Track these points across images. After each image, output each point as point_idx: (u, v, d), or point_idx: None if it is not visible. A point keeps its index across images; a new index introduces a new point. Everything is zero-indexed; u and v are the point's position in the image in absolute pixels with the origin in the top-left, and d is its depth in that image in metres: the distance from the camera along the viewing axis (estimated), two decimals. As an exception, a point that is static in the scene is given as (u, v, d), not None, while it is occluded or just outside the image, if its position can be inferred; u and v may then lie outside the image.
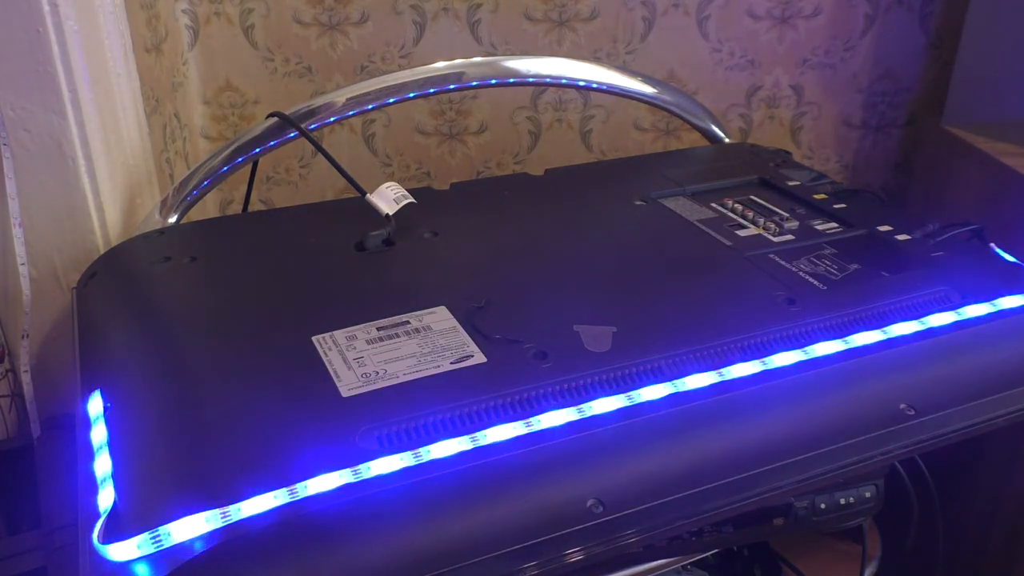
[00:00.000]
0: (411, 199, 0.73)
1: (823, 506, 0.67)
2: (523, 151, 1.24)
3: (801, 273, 0.66)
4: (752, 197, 0.80)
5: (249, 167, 0.83)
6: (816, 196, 0.79)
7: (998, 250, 0.71)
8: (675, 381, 0.53)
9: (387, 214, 0.71)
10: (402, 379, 0.52)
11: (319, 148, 0.78)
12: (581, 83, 0.91)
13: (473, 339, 0.56)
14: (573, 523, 0.46)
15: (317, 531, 0.43)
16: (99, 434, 0.50)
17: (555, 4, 1.14)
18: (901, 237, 0.71)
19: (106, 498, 0.45)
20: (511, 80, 0.88)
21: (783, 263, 0.67)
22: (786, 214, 0.76)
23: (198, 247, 0.71)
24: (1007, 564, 0.98)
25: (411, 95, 0.84)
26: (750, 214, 0.75)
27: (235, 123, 1.16)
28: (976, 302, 0.62)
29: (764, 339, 0.57)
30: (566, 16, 1.15)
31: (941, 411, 0.55)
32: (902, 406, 0.55)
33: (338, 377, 0.52)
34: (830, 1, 1.20)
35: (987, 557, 1.00)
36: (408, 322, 0.58)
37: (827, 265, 0.67)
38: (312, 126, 0.81)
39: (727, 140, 1.00)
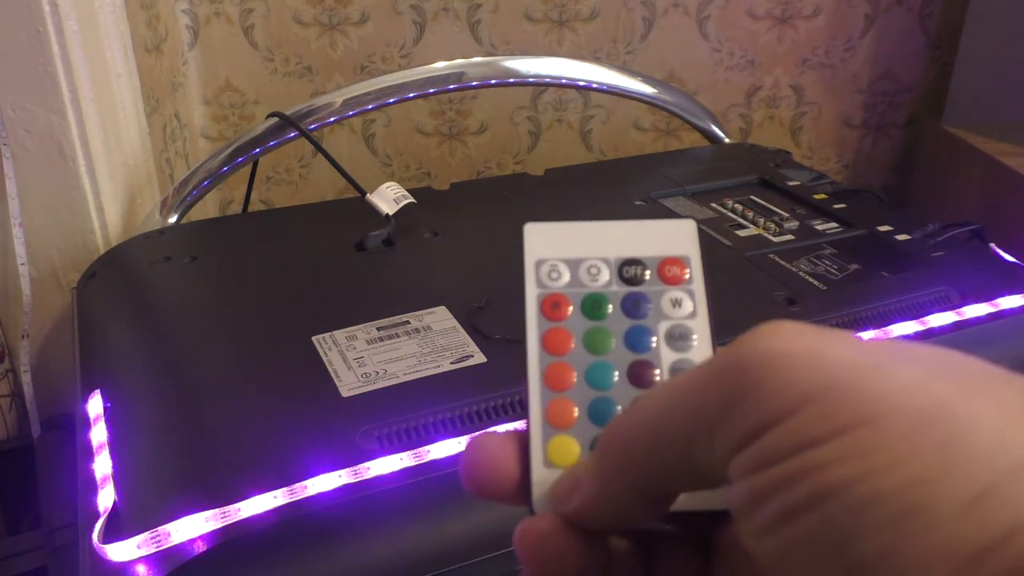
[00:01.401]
0: (411, 199, 0.73)
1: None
2: (523, 151, 1.24)
3: (801, 273, 0.66)
4: (752, 197, 0.80)
5: (249, 167, 0.83)
6: (816, 196, 0.79)
7: (998, 250, 0.71)
8: (675, 381, 0.53)
9: (387, 214, 0.71)
10: (402, 379, 0.52)
11: (319, 148, 0.78)
12: (581, 83, 0.91)
13: (473, 339, 0.56)
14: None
15: (317, 531, 0.43)
16: (99, 434, 0.50)
17: (555, 4, 1.14)
18: (901, 237, 0.71)
19: (106, 498, 0.45)
20: (511, 80, 0.88)
21: (783, 263, 0.67)
22: (786, 214, 0.76)
23: (198, 247, 0.71)
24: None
25: (411, 95, 0.84)
26: (750, 214, 0.75)
27: (235, 123, 1.16)
28: (976, 302, 0.62)
29: (764, 339, 0.57)
30: (566, 16, 1.15)
31: (941, 411, 0.55)
32: (902, 406, 0.55)
33: (338, 377, 0.52)
34: (830, 1, 1.20)
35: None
36: (408, 322, 0.58)
37: (827, 265, 0.67)
38: (312, 126, 0.81)
39: (727, 140, 1.00)
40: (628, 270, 0.25)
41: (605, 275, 0.25)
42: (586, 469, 0.21)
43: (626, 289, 0.24)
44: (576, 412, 0.23)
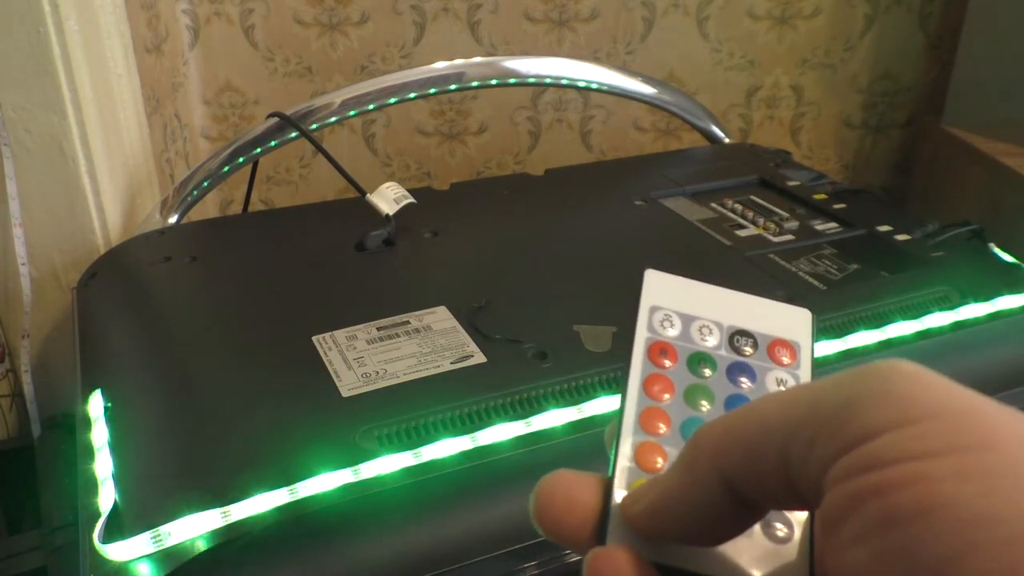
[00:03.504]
0: (411, 199, 0.73)
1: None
2: (523, 151, 1.24)
3: (801, 273, 0.66)
4: (752, 197, 0.80)
5: (249, 167, 0.83)
6: (816, 196, 0.79)
7: (998, 250, 0.71)
8: (675, 381, 0.53)
9: (387, 214, 0.71)
10: (402, 379, 0.52)
11: (319, 148, 0.78)
12: (581, 83, 0.91)
13: (473, 339, 0.56)
14: (573, 523, 0.46)
15: (317, 531, 0.43)
16: (99, 434, 0.50)
17: (555, 4, 1.14)
18: (901, 237, 0.71)
19: (106, 498, 0.45)
20: (511, 80, 0.88)
21: (783, 263, 0.67)
22: (786, 214, 0.76)
23: (198, 247, 0.71)
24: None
25: (411, 95, 0.84)
26: (750, 214, 0.75)
27: (235, 123, 1.16)
28: (976, 302, 0.62)
29: (764, 339, 0.57)
30: (566, 16, 1.15)
31: (941, 411, 0.55)
32: (902, 406, 0.55)
33: (338, 377, 0.52)
34: (830, 1, 1.20)
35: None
36: (408, 322, 0.58)
37: (827, 265, 0.67)
38: (312, 126, 0.81)
39: (727, 140, 1.00)
40: (739, 340, 0.25)
41: (715, 338, 0.25)
42: (668, 469, 0.21)
43: (733, 357, 0.25)
44: (665, 458, 0.23)
